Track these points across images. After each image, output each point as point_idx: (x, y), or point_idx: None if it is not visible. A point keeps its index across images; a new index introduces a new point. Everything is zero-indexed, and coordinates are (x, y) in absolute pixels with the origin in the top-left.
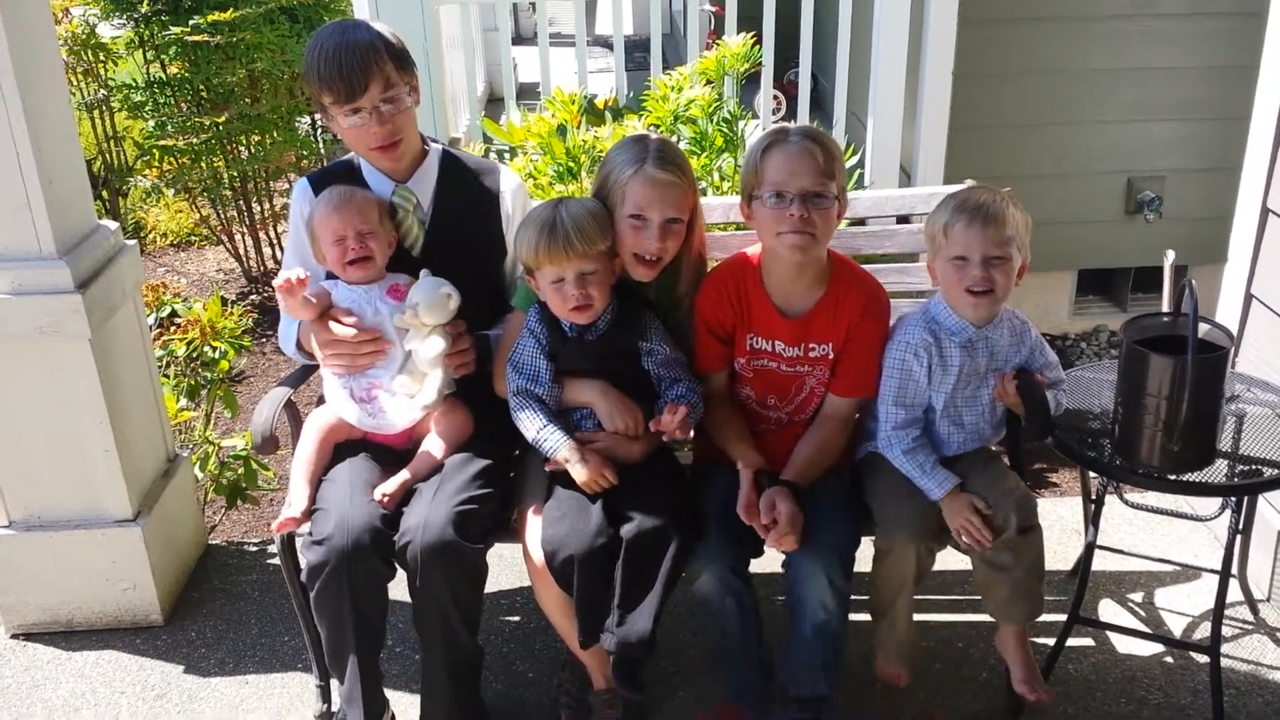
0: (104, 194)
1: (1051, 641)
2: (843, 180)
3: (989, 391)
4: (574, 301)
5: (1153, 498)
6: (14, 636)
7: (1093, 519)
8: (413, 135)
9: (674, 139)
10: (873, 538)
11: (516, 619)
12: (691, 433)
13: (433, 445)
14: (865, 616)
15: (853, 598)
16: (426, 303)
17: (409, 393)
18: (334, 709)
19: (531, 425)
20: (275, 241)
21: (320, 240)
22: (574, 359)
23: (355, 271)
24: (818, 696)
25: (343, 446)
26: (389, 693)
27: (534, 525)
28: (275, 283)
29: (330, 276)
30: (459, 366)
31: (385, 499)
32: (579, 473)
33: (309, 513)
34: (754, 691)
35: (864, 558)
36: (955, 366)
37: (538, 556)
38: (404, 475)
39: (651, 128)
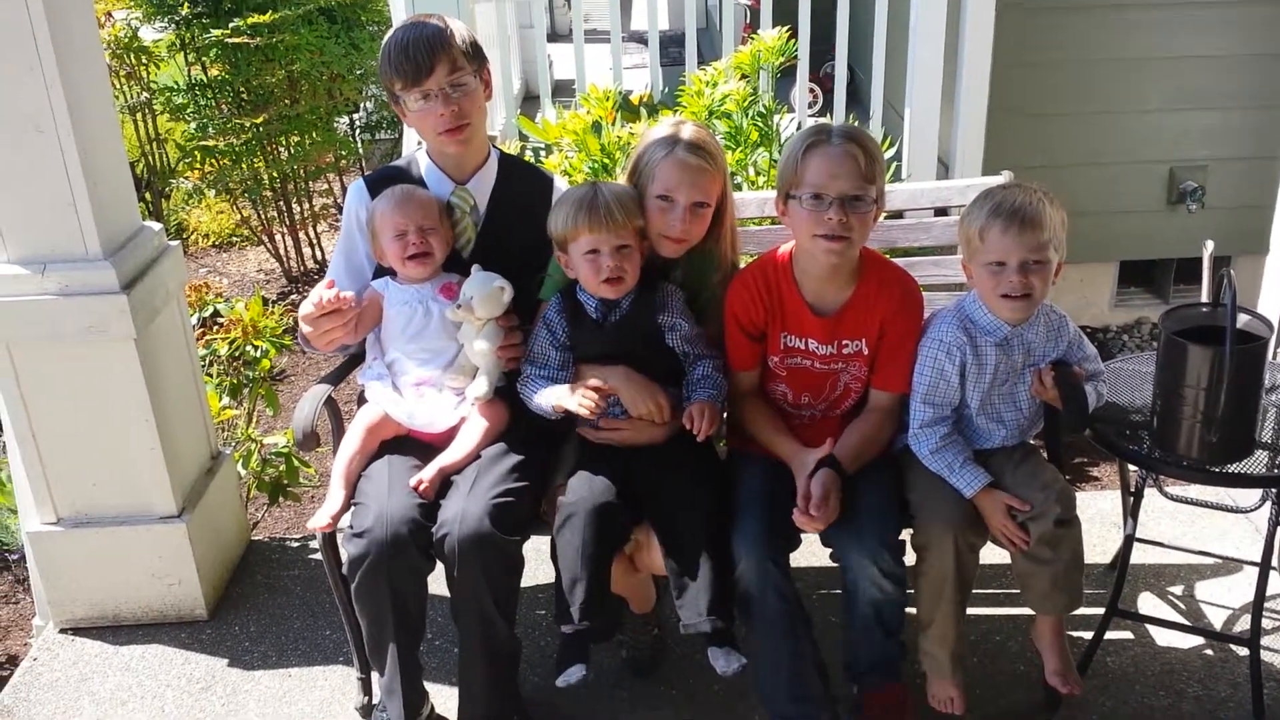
0: (147, 196)
1: (1090, 634)
2: (882, 183)
3: (1026, 388)
4: (608, 273)
5: (1193, 490)
6: (62, 631)
7: (1132, 511)
8: (480, 129)
9: None
10: (910, 532)
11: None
12: (724, 416)
13: (471, 432)
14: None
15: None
16: (480, 297)
17: (459, 387)
18: (375, 701)
19: (537, 397)
20: (315, 241)
21: (380, 236)
22: (595, 344)
23: (414, 267)
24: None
25: (386, 444)
26: (428, 685)
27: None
28: (323, 298)
29: (378, 275)
30: (509, 360)
31: (423, 486)
32: (571, 402)
33: (342, 515)
34: (813, 698)
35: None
36: (990, 365)
37: None
38: (440, 462)
39: None
